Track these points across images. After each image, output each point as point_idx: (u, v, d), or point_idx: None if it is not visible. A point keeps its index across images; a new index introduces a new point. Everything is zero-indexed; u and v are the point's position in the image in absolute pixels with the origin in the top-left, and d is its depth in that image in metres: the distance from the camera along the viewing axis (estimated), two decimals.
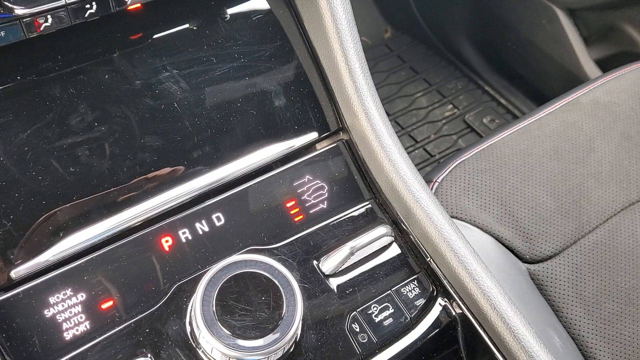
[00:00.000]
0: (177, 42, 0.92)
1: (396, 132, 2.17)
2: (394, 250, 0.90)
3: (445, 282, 0.88)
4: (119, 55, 0.88)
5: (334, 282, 0.85)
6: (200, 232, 0.84)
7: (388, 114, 2.18)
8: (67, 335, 0.75)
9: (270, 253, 0.85)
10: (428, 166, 2.08)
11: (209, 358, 0.75)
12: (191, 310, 0.77)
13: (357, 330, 0.83)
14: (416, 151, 2.11)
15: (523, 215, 1.19)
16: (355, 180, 0.94)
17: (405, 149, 2.09)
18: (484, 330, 0.85)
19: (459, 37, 2.27)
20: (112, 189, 0.83)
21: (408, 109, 2.21)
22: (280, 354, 0.75)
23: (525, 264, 1.17)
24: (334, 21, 0.93)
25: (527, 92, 2.19)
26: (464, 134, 2.17)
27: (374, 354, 0.82)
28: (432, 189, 1.21)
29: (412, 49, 2.39)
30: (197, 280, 0.78)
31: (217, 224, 0.85)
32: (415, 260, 0.90)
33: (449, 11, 2.26)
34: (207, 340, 0.73)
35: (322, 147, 0.95)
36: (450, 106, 2.24)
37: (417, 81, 2.29)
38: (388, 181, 0.91)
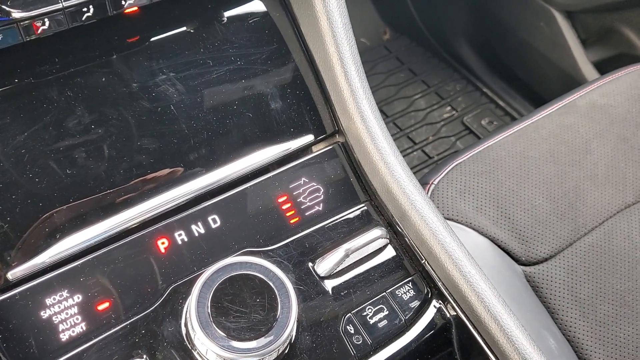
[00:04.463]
0: (174, 45, 0.93)
1: (394, 134, 2.18)
2: (389, 253, 0.90)
3: (439, 284, 0.88)
4: (116, 58, 0.89)
5: (329, 284, 0.86)
6: (196, 234, 0.85)
7: (386, 116, 2.18)
8: (64, 337, 0.76)
9: (265, 255, 0.85)
10: (426, 168, 2.08)
11: (203, 359, 0.75)
12: (186, 311, 0.78)
13: (352, 332, 0.83)
14: (414, 153, 2.11)
15: (519, 218, 1.19)
16: (351, 182, 0.94)
17: (404, 150, 2.11)
18: (478, 333, 0.86)
19: (458, 39, 2.27)
20: (109, 191, 0.83)
21: (406, 111, 2.22)
22: (274, 355, 0.76)
23: (521, 266, 1.18)
24: (329, 24, 0.94)
25: (525, 94, 2.20)
26: (462, 136, 2.17)
27: (369, 355, 0.83)
28: (428, 191, 1.22)
29: (411, 51, 2.39)
30: (192, 282, 0.79)
31: (213, 226, 0.86)
32: (410, 263, 0.91)
33: (448, 13, 2.26)
34: (202, 342, 0.73)
35: (318, 149, 0.96)
36: (449, 108, 2.24)
37: (415, 83, 2.30)
38: (383, 184, 0.91)
